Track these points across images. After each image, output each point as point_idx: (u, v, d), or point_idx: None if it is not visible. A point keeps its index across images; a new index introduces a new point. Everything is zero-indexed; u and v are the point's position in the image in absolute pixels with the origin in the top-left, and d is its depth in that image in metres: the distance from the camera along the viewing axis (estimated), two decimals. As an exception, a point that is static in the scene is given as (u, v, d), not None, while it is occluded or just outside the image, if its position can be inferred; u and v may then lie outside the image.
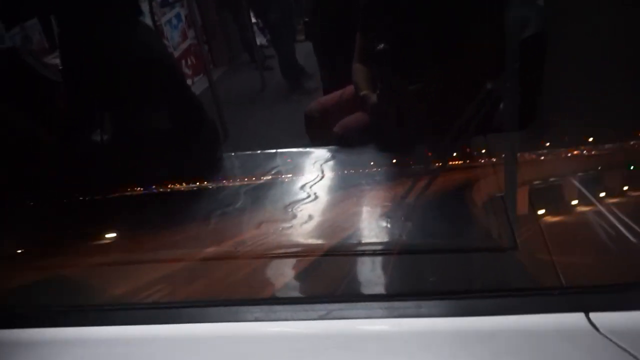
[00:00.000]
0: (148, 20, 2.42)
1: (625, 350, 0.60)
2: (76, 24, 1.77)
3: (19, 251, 1.17)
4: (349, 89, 2.05)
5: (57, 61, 2.37)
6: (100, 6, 1.74)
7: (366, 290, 0.83)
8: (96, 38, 1.74)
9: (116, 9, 1.77)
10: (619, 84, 0.96)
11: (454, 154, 1.16)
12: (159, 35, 2.98)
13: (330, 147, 1.68)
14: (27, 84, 1.99)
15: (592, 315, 0.66)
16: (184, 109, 1.97)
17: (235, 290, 0.87)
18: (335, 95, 2.13)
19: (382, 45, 1.68)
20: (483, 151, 1.19)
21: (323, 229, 1.05)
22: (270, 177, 1.41)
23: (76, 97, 1.88)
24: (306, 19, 2.89)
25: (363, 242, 0.97)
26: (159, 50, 2.01)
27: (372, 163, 1.40)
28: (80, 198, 1.45)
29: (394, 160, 1.40)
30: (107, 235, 1.15)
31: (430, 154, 1.33)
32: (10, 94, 1.87)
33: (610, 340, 0.62)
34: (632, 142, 0.98)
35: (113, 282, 0.94)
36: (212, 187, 1.49)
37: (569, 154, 1.04)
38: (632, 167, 1.01)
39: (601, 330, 0.64)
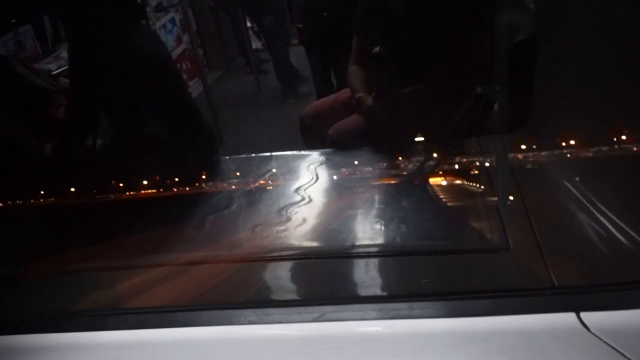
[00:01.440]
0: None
1: (615, 349, 0.61)
2: (85, 30, 1.77)
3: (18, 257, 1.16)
4: (343, 92, 2.06)
5: (50, 67, 2.37)
6: (109, 10, 1.74)
7: (359, 292, 0.83)
8: (104, 43, 1.74)
9: (123, 12, 1.78)
10: (610, 84, 0.97)
11: (447, 156, 1.17)
12: (161, 39, 2.99)
13: (324, 150, 1.69)
14: (18, 93, 1.98)
15: (582, 314, 0.67)
16: (185, 112, 1.98)
17: (229, 293, 0.87)
18: (329, 98, 2.14)
19: (378, 48, 1.69)
20: (475, 153, 1.20)
21: (317, 232, 1.06)
22: (264, 180, 1.42)
23: (81, 104, 1.88)
24: (299, 25, 2.90)
25: (357, 244, 0.98)
26: (162, 54, 2.02)
27: (366, 166, 1.41)
28: (76, 202, 1.45)
29: (388, 163, 1.40)
30: (100, 240, 1.14)
31: (423, 156, 1.33)
32: (2, 104, 1.87)
33: (601, 339, 0.63)
34: (625, 141, 0.98)
35: (106, 286, 0.94)
36: (207, 191, 1.50)
37: (561, 153, 1.05)
38: (623, 168, 1.02)
39: (592, 329, 0.64)
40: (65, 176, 1.63)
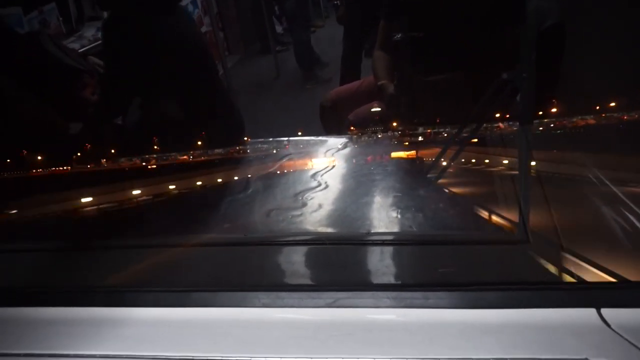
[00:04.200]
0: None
1: (636, 347, 0.59)
2: (121, 13, 1.79)
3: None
4: (368, 79, 2.04)
5: (74, 46, 2.39)
6: None
7: (374, 279, 0.83)
8: (141, 26, 1.76)
9: None
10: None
11: (468, 145, 1.14)
12: (196, 22, 3.01)
13: (343, 136, 1.68)
14: (45, 70, 2.01)
15: (603, 311, 0.65)
16: (215, 93, 2.00)
17: (243, 275, 0.88)
18: (353, 85, 2.12)
19: (401, 34, 1.67)
20: (497, 142, 1.17)
21: (332, 218, 1.05)
22: (281, 164, 1.41)
23: (118, 86, 1.91)
24: (336, 2, 2.88)
25: (372, 231, 0.97)
26: (196, 37, 2.04)
27: (384, 152, 1.39)
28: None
29: (407, 151, 1.39)
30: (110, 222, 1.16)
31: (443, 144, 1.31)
32: (30, 81, 1.90)
33: (622, 336, 0.61)
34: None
35: (122, 263, 0.95)
36: (225, 173, 1.50)
37: (585, 143, 1.02)
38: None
39: (612, 326, 0.63)
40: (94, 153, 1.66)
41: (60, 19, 2.60)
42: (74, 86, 2.05)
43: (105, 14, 1.95)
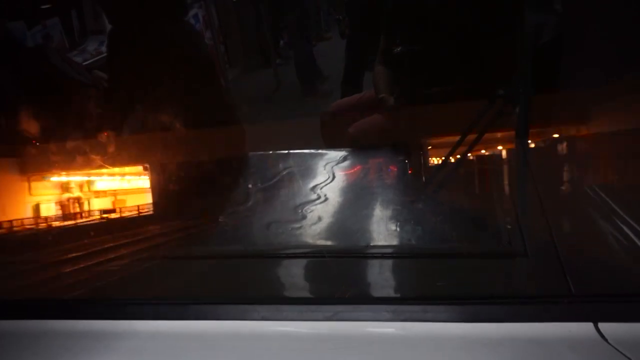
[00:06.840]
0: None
1: (634, 362, 0.59)
2: (127, 25, 1.81)
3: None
4: (368, 93, 2.06)
5: (77, 59, 2.42)
6: (149, 6, 1.78)
7: (373, 292, 0.83)
8: (144, 40, 1.78)
9: (164, 9, 1.82)
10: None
11: (466, 158, 1.15)
12: (201, 35, 3.03)
13: (343, 148, 1.68)
14: (50, 84, 2.03)
15: (601, 325, 0.65)
16: (219, 105, 2.01)
17: (242, 288, 0.88)
18: (354, 97, 2.14)
19: (400, 47, 1.69)
20: (495, 155, 1.18)
21: (332, 231, 1.06)
22: (281, 177, 1.42)
23: (120, 96, 1.92)
24: (338, 16, 2.92)
25: (372, 244, 0.97)
26: (201, 50, 2.06)
27: (384, 165, 1.40)
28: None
29: (406, 164, 1.39)
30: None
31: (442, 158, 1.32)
32: (36, 95, 1.92)
33: (619, 351, 0.61)
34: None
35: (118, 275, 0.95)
36: (226, 186, 1.51)
37: (583, 154, 1.03)
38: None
39: (610, 341, 0.63)
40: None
41: (63, 33, 2.63)
42: (80, 99, 2.07)
43: (109, 27, 1.98)
